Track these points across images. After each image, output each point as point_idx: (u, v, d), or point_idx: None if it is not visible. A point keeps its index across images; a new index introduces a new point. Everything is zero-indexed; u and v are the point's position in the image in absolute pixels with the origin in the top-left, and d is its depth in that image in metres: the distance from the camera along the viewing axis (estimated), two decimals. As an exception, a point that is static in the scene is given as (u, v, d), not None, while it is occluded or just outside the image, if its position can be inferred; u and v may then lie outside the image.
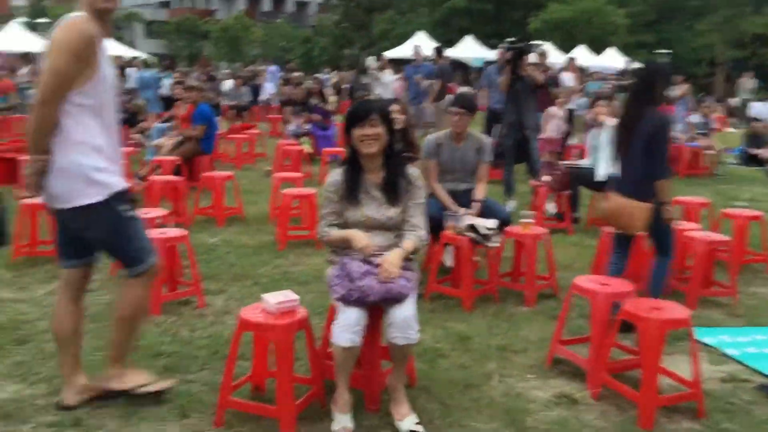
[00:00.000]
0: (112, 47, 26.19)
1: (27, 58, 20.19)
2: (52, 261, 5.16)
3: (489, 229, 4.54)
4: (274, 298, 2.99)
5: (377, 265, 2.97)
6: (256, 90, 18.34)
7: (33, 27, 36.83)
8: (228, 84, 17.49)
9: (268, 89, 19.32)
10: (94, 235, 2.96)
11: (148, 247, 3.06)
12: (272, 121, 15.39)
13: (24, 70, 18.06)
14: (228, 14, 52.94)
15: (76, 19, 2.82)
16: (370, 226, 3.16)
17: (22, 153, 8.15)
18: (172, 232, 4.42)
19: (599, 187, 6.71)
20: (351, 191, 3.18)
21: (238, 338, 2.98)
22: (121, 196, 2.93)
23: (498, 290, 4.70)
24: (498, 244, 4.65)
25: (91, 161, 2.84)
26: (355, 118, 3.15)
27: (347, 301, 2.91)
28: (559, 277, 4.91)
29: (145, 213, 4.89)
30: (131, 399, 3.13)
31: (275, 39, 46.73)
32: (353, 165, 3.22)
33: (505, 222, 4.82)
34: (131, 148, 8.91)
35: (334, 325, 2.94)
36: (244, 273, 5.12)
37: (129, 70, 16.98)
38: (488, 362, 3.68)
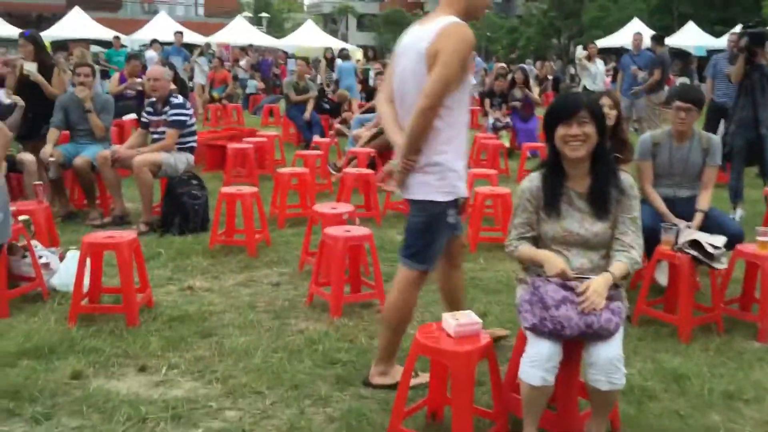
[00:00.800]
0: (326, 40, 27.41)
1: (246, 50, 21.62)
2: (246, 251, 5.26)
3: (715, 247, 3.83)
4: (454, 319, 2.63)
5: (578, 293, 2.50)
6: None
7: (256, 21, 39.72)
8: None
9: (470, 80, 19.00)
10: (417, 223, 3.01)
11: (439, 254, 3.09)
12: (472, 112, 15.07)
13: (243, 62, 19.34)
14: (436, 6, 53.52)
15: (460, 26, 2.81)
16: (570, 242, 2.69)
17: (233, 141, 8.53)
18: (357, 230, 4.24)
19: None
20: (550, 200, 2.71)
21: (413, 362, 2.66)
22: (458, 202, 2.98)
23: (723, 319, 3.97)
24: (725, 266, 3.91)
25: (453, 163, 2.91)
26: (559, 114, 2.67)
27: (539, 331, 2.48)
28: (803, 309, 4.06)
29: (332, 208, 4.77)
30: (299, 413, 2.95)
31: (481, 30, 46.34)
32: (554, 169, 2.75)
33: (735, 239, 4.07)
34: (330, 139, 9.00)
35: (523, 358, 2.52)
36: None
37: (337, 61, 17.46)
38: (710, 411, 3.04)
